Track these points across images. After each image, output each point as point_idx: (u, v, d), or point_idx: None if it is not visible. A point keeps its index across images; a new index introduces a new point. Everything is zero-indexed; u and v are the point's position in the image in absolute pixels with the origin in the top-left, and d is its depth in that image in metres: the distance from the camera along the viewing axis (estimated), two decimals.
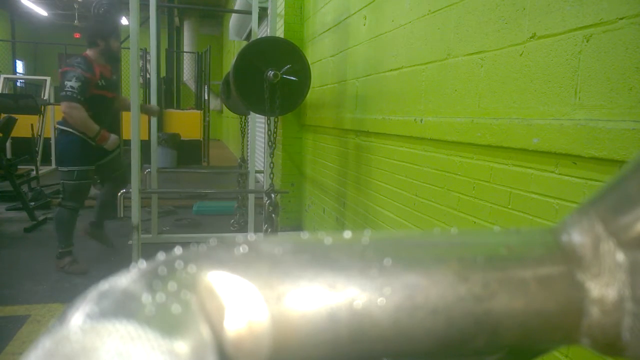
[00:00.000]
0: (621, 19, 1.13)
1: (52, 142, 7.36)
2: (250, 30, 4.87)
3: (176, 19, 11.92)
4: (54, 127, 3.11)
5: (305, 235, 0.21)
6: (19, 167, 4.91)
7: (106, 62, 3.17)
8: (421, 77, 2.12)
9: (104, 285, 0.17)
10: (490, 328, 0.20)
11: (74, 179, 3.07)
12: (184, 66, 11.43)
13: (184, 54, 11.67)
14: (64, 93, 2.88)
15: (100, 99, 3.09)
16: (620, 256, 0.21)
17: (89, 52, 3.09)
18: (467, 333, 0.20)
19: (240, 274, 0.19)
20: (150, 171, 4.03)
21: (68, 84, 2.86)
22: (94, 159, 3.17)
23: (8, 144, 5.88)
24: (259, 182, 5.72)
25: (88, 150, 3.10)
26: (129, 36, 3.21)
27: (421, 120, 2.07)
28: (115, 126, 3.25)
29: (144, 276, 0.18)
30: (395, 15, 2.38)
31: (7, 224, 4.38)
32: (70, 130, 3.01)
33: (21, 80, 11.42)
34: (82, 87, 2.90)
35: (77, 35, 13.76)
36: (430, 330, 0.20)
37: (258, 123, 5.20)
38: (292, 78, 2.61)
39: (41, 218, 4.44)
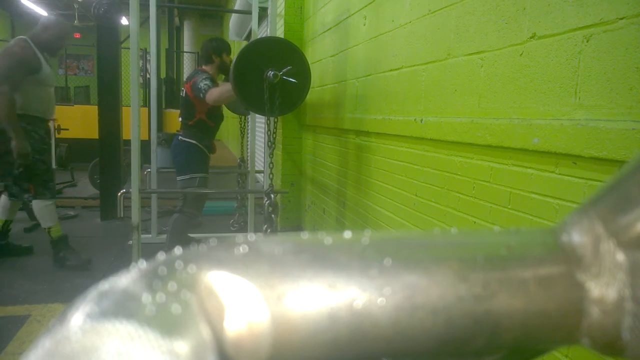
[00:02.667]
0: (621, 19, 1.13)
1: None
2: (250, 30, 4.88)
3: (176, 19, 11.93)
4: (177, 138, 3.43)
5: (305, 235, 0.21)
6: None
7: (221, 74, 3.45)
8: (421, 77, 2.12)
9: (104, 285, 0.17)
10: (490, 328, 0.20)
11: (196, 185, 3.29)
12: (184, 66, 11.43)
13: (184, 54, 11.67)
14: (202, 93, 3.08)
15: (218, 106, 3.37)
16: (620, 256, 0.21)
17: (206, 67, 3.37)
18: (467, 333, 0.20)
19: (240, 274, 0.19)
20: (150, 171, 4.03)
21: (202, 84, 3.11)
22: (207, 170, 3.45)
23: None
24: (258, 182, 5.72)
25: (206, 159, 3.39)
26: (129, 36, 3.23)
27: (421, 120, 2.07)
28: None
29: (144, 276, 0.18)
30: (395, 15, 2.38)
31: None
32: (191, 140, 3.29)
33: None
34: (213, 81, 3.17)
35: (77, 35, 13.74)
36: (430, 330, 0.20)
37: (258, 123, 5.20)
38: (291, 80, 2.61)
39: None
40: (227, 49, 3.41)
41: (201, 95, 3.08)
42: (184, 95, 3.32)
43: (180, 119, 3.46)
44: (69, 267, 3.23)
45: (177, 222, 3.34)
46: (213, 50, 3.34)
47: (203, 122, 3.32)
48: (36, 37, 3.14)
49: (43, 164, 3.18)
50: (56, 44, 3.25)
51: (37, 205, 3.21)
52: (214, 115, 3.39)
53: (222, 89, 3.10)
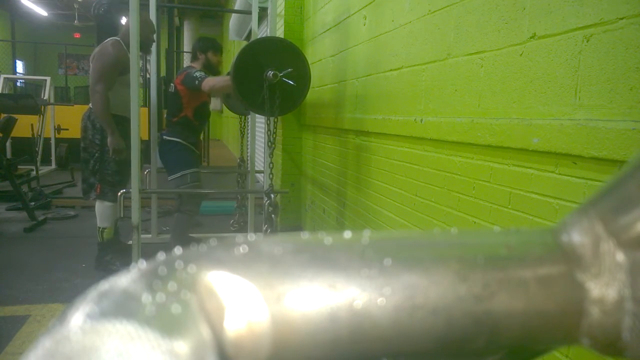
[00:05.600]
0: (621, 19, 1.13)
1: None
2: (250, 30, 4.87)
3: (176, 19, 11.91)
4: (162, 137, 3.44)
5: (305, 235, 0.21)
6: (19, 167, 4.91)
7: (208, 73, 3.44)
8: (421, 77, 2.12)
9: (104, 285, 0.17)
10: (490, 328, 0.20)
11: (188, 181, 3.28)
12: (184, 66, 11.40)
13: (184, 54, 11.65)
14: (197, 81, 3.08)
15: (205, 104, 3.43)
16: (620, 256, 0.21)
17: (193, 64, 3.39)
18: (467, 333, 0.20)
19: (240, 274, 0.19)
20: (150, 171, 4.03)
21: (197, 74, 3.12)
22: (198, 164, 3.44)
23: (8, 144, 5.88)
24: (258, 182, 5.72)
25: (193, 154, 3.39)
26: None
27: (421, 120, 2.07)
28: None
29: (144, 276, 0.18)
30: (395, 15, 2.38)
31: (7, 224, 4.38)
32: (175, 139, 3.30)
33: (21, 80, 11.41)
34: (207, 74, 3.17)
35: (77, 35, 13.74)
36: (430, 330, 0.20)
37: (258, 123, 5.20)
38: (290, 82, 2.60)
39: (41, 218, 4.44)
40: (213, 47, 3.42)
41: (196, 82, 3.07)
42: (172, 91, 3.32)
43: (166, 117, 3.47)
44: (111, 272, 3.20)
45: (178, 222, 3.34)
46: (199, 47, 3.40)
47: (188, 120, 3.31)
48: (127, 38, 3.11)
49: (115, 164, 3.18)
50: (146, 41, 3.25)
51: (99, 205, 3.23)
52: (200, 115, 3.39)
53: (219, 78, 3.11)
